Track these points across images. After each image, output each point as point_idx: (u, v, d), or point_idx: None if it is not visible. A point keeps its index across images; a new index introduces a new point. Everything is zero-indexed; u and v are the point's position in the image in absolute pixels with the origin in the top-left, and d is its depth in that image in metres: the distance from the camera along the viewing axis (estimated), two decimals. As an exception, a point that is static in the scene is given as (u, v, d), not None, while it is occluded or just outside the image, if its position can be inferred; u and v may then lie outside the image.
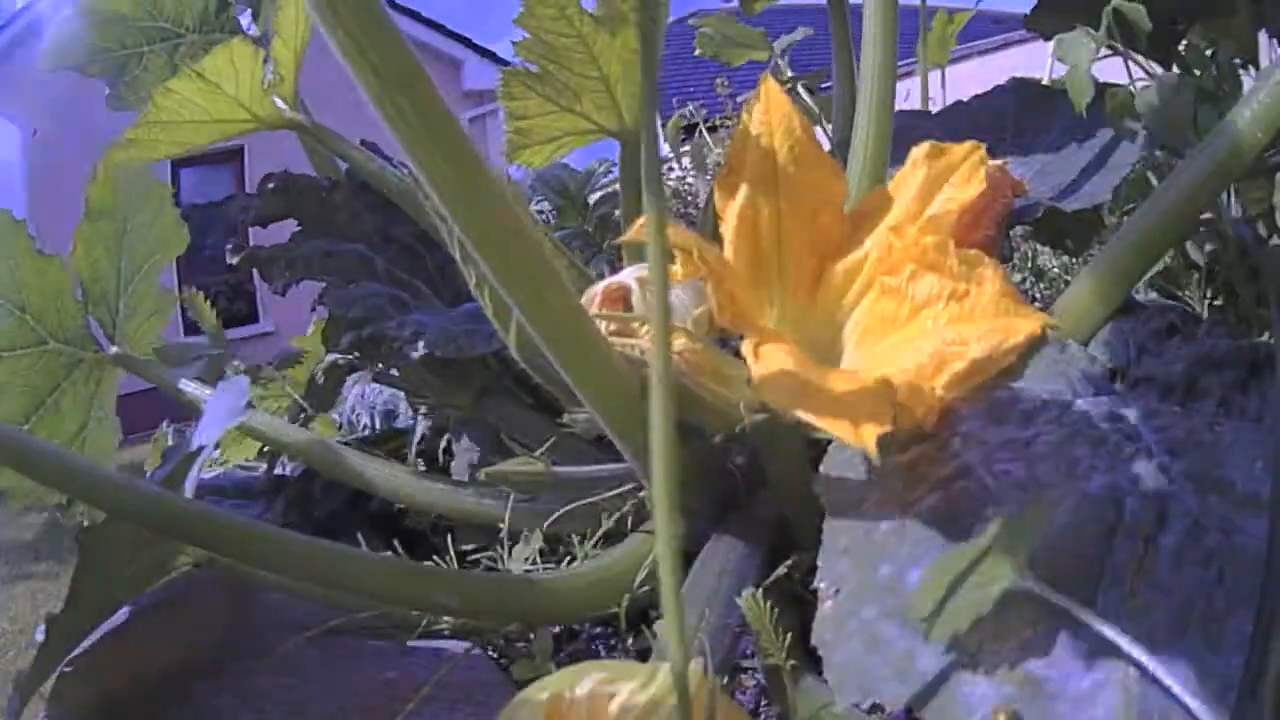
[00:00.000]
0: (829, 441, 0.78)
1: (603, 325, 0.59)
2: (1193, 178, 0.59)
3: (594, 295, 0.61)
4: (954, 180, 0.49)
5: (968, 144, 0.50)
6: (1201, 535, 0.38)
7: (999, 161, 0.52)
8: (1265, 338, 0.57)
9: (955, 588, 0.34)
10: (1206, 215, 0.76)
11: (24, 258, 0.89)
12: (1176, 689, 0.32)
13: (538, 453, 0.74)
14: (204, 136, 0.86)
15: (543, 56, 0.82)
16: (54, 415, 0.93)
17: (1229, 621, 0.35)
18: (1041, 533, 0.34)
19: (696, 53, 1.51)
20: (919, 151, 0.49)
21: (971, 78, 1.57)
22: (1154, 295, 0.78)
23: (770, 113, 0.53)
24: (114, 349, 0.95)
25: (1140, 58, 0.80)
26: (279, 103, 0.90)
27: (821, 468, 0.46)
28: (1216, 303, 0.77)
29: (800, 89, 1.44)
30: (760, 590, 0.49)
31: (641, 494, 0.73)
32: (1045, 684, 0.33)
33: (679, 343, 0.52)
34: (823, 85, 1.47)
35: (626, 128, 0.89)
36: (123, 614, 0.74)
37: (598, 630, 0.70)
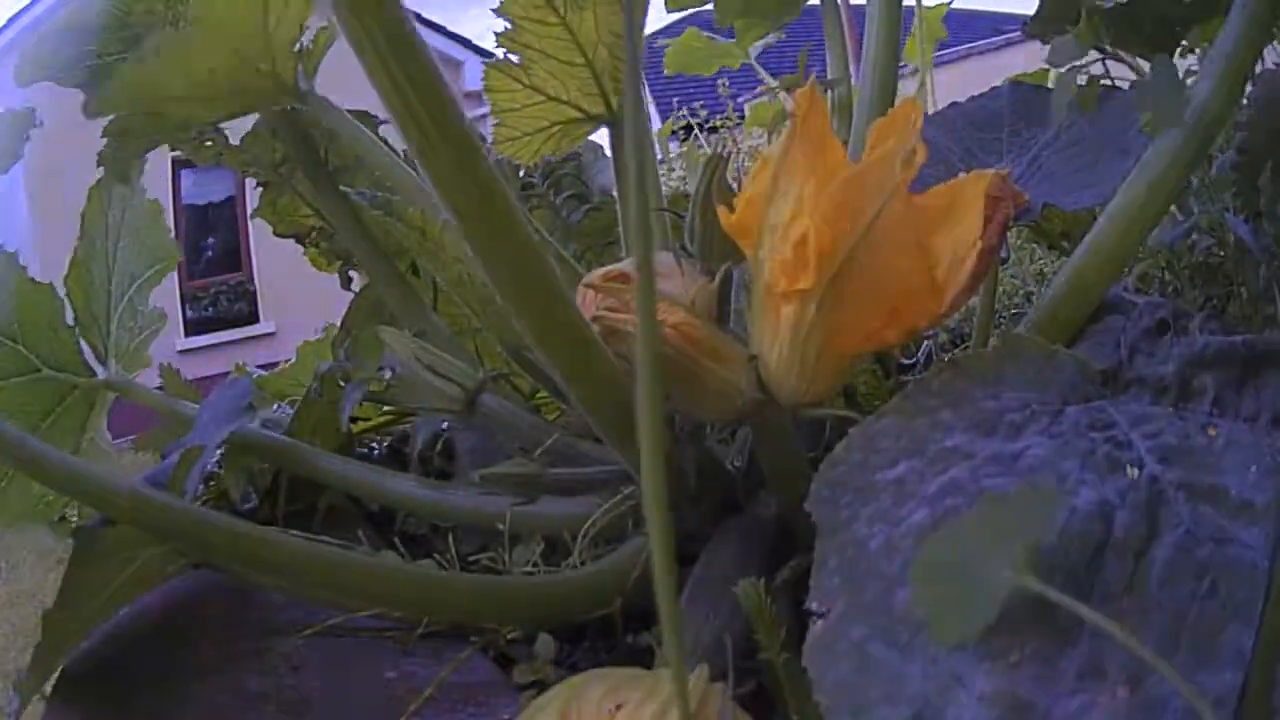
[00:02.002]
0: (828, 443, 0.78)
1: (598, 303, 0.59)
2: (1166, 151, 0.60)
3: (594, 281, 0.61)
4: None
5: (901, 103, 0.50)
6: (1194, 547, 0.37)
7: (1000, 170, 0.52)
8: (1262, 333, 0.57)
9: (956, 591, 0.34)
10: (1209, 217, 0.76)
11: (14, 288, 0.89)
12: (1167, 708, 0.32)
13: (535, 454, 0.74)
14: (225, 77, 0.82)
15: (525, 46, 0.82)
16: (50, 438, 0.92)
17: (1222, 635, 0.34)
18: (1041, 528, 0.34)
19: (666, 73, 1.52)
20: (869, 137, 0.49)
21: (972, 79, 1.58)
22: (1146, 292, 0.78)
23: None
24: (105, 374, 0.95)
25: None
26: (300, 73, 0.88)
27: (814, 484, 0.46)
28: (1210, 299, 0.77)
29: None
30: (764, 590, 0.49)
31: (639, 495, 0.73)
32: (1033, 707, 0.33)
33: (677, 317, 0.52)
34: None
35: (616, 114, 0.88)
36: (123, 614, 0.74)
37: (600, 631, 0.70)
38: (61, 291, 0.92)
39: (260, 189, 1.11)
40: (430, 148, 0.47)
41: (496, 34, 0.81)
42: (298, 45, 0.85)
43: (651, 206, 0.91)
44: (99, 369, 0.95)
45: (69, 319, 0.93)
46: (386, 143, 0.95)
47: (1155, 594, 0.36)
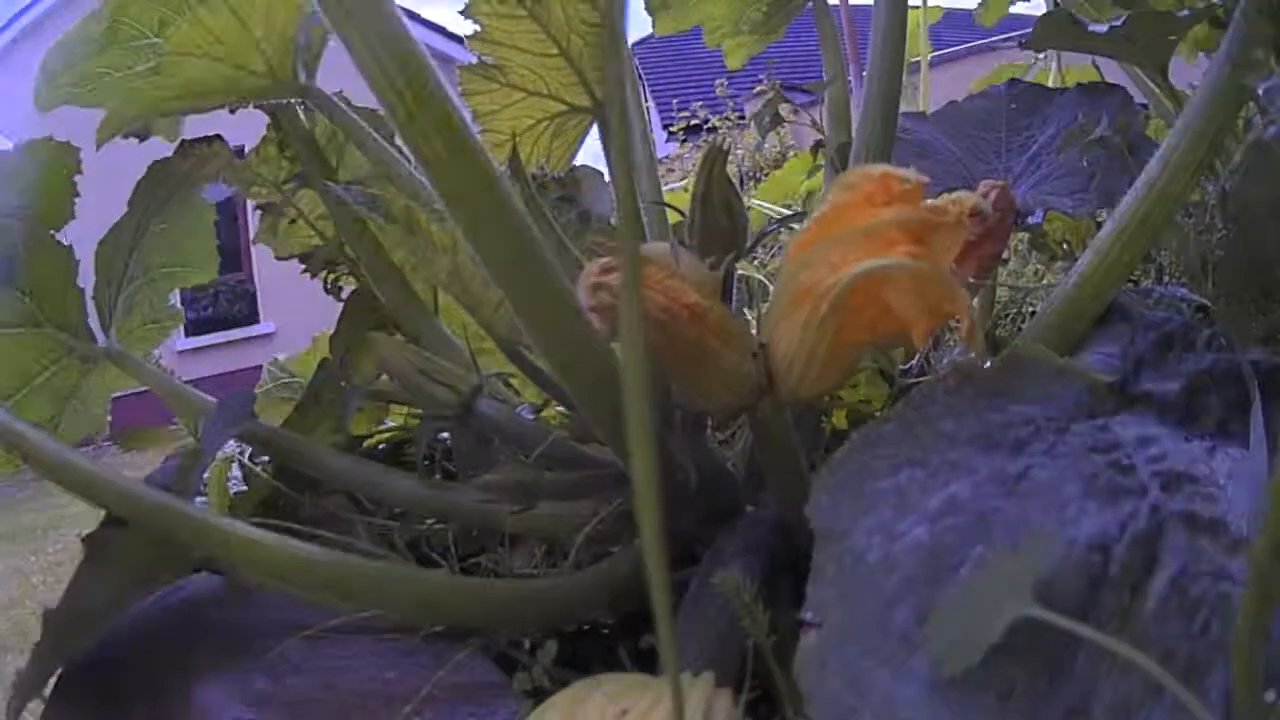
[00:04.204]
0: (827, 446, 0.78)
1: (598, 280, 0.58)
2: (1171, 156, 0.60)
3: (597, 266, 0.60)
4: None
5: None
6: (1189, 584, 0.37)
7: (998, 182, 0.53)
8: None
9: (962, 621, 0.34)
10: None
11: (31, 242, 0.90)
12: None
13: (532, 458, 0.74)
14: (213, 84, 0.83)
15: (497, 44, 0.80)
16: (38, 396, 0.94)
17: (1210, 676, 0.34)
18: (1045, 562, 0.34)
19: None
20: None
21: (970, 78, 1.58)
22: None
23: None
24: (105, 342, 0.95)
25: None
26: (300, 69, 0.87)
27: (814, 489, 0.45)
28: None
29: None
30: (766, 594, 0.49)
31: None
32: (1021, 744, 0.33)
33: (691, 298, 0.51)
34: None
35: (601, 104, 0.86)
36: (123, 614, 0.74)
37: (603, 632, 0.70)
38: (91, 253, 0.94)
39: (260, 213, 1.10)
40: (406, 113, 0.47)
41: (466, 38, 0.80)
42: (294, 44, 0.85)
43: (651, 200, 0.91)
44: (100, 337, 0.96)
45: (80, 283, 0.94)
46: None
47: (1147, 630, 0.35)
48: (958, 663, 0.33)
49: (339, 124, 0.92)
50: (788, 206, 1.79)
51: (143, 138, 0.99)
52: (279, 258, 1.14)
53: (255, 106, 0.96)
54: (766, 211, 1.70)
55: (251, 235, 1.16)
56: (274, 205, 1.09)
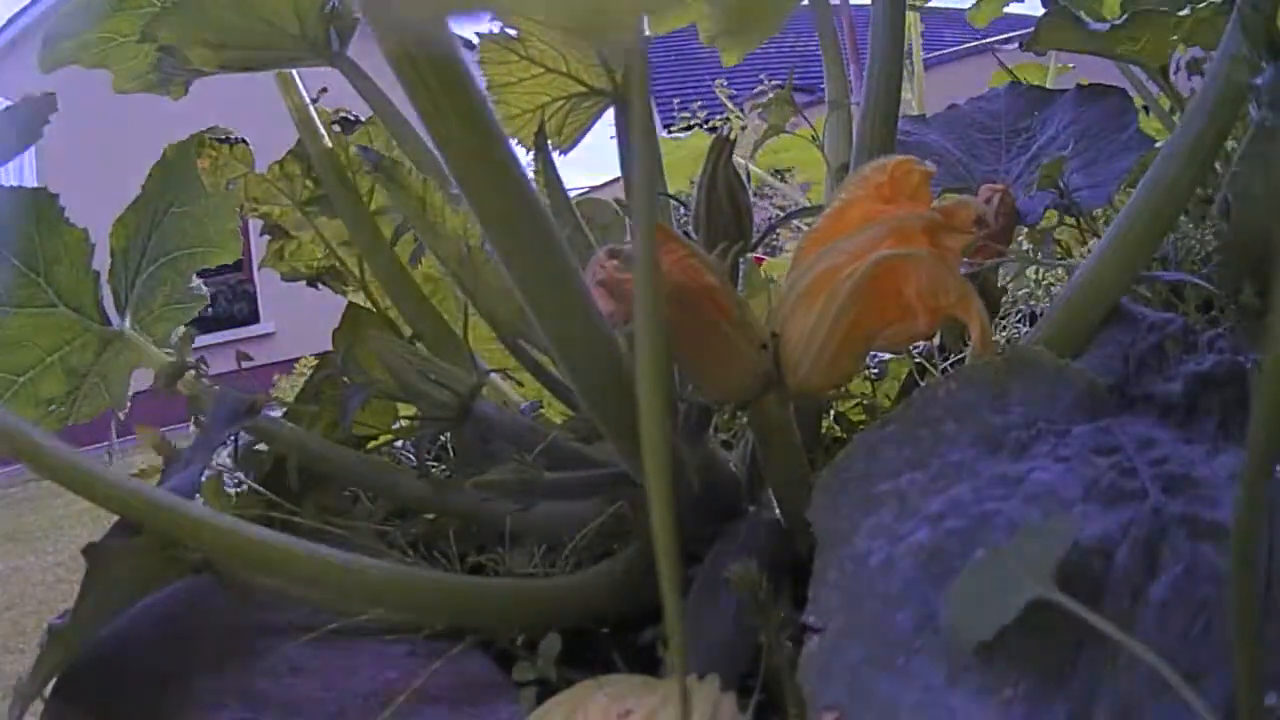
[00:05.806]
0: (828, 446, 0.78)
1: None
2: (1177, 157, 0.60)
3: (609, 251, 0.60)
4: None
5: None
6: (1192, 586, 0.37)
7: (1000, 186, 0.53)
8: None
9: (981, 600, 0.35)
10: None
11: (45, 224, 0.91)
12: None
13: (531, 457, 0.74)
14: (243, 34, 0.81)
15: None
16: (50, 375, 0.95)
17: (1211, 678, 0.34)
18: (1064, 546, 0.34)
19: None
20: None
21: (969, 79, 1.58)
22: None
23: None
24: (120, 324, 0.96)
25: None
26: (333, 34, 0.85)
27: (815, 491, 0.45)
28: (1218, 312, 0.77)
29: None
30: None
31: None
32: (1021, 747, 0.33)
33: (710, 281, 0.51)
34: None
35: (619, 87, 0.84)
36: (123, 614, 0.74)
37: (600, 631, 0.70)
38: (107, 235, 0.94)
39: (266, 237, 1.08)
40: (415, 72, 0.45)
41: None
42: (329, 5, 0.83)
43: (655, 189, 0.90)
44: (115, 319, 0.96)
45: (99, 267, 0.95)
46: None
47: (1149, 634, 0.35)
48: (973, 640, 0.33)
49: (365, 96, 0.90)
50: (780, 175, 1.80)
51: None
52: (285, 279, 1.12)
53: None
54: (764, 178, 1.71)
55: (252, 235, 1.14)
56: (281, 229, 1.07)
